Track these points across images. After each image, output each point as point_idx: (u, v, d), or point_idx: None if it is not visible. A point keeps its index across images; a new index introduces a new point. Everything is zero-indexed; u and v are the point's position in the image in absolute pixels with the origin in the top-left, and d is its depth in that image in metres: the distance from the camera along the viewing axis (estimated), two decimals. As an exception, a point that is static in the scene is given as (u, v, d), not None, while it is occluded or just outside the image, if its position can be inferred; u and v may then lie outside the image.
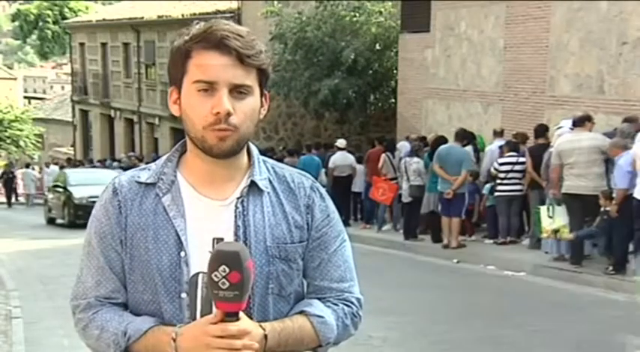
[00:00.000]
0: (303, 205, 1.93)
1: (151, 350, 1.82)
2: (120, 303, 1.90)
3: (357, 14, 21.18)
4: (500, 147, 13.07)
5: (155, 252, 1.85)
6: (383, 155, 15.20)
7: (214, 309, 1.74)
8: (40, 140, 43.96)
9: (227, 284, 1.64)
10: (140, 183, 1.91)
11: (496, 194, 12.64)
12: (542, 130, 12.12)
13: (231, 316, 1.69)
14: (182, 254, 1.84)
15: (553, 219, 10.61)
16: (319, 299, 1.94)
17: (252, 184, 1.89)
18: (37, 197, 31.20)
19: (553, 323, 7.78)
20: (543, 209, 10.79)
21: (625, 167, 9.40)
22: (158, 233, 1.86)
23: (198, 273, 1.83)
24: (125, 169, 23.03)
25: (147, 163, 2.33)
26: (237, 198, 1.88)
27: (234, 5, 24.32)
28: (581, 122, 10.46)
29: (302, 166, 14.59)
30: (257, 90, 1.85)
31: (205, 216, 1.87)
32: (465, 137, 13.16)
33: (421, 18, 18.34)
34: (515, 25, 15.53)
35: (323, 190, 1.99)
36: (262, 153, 2.01)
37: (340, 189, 15.79)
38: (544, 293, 9.53)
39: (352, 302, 1.96)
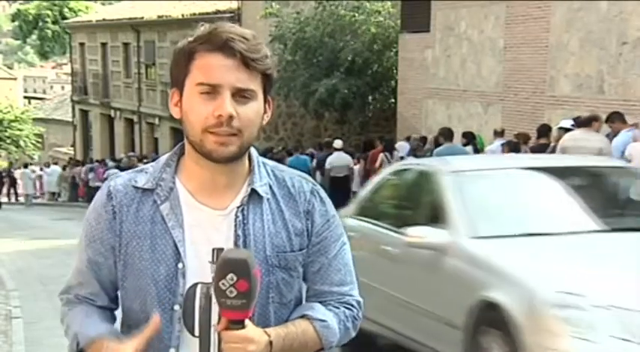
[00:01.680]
0: (303, 211, 1.90)
1: None
2: (98, 305, 1.91)
3: (356, 14, 21.19)
4: (502, 146, 13.07)
5: (151, 262, 1.82)
6: (381, 154, 15.21)
7: (213, 319, 1.73)
8: (40, 140, 44.01)
9: (235, 292, 1.62)
10: (137, 187, 1.87)
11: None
12: (544, 130, 12.10)
13: (236, 324, 1.68)
14: (180, 265, 1.81)
15: None
16: (320, 302, 1.92)
17: (253, 192, 1.86)
18: (35, 197, 31.24)
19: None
20: None
21: None
22: (155, 243, 1.82)
23: (196, 284, 1.81)
24: (123, 170, 23.01)
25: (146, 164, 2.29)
26: (237, 207, 1.84)
27: (234, 5, 24.33)
28: (588, 123, 10.35)
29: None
30: (260, 96, 1.81)
31: (204, 225, 1.83)
32: (451, 136, 13.10)
33: (421, 18, 18.35)
34: (515, 25, 15.53)
35: (323, 193, 1.96)
36: (262, 153, 1.99)
37: (337, 189, 15.77)
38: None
39: (353, 305, 1.95)
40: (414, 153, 13.97)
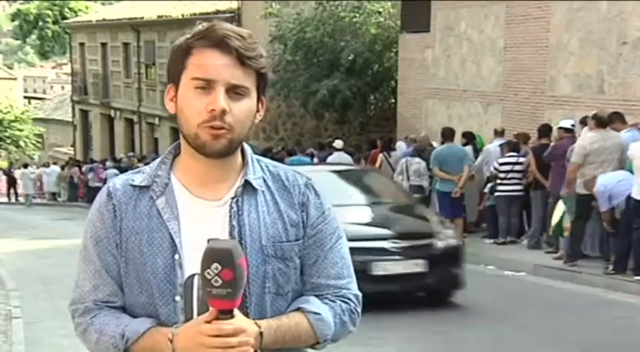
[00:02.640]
0: (298, 203, 1.92)
1: (149, 351, 1.82)
2: (118, 307, 1.90)
3: (357, 14, 21.19)
4: (501, 146, 13.09)
5: (150, 255, 1.85)
6: (380, 155, 15.19)
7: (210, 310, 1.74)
8: (40, 140, 44.05)
9: (220, 281, 1.64)
10: (134, 186, 1.90)
11: (496, 194, 12.65)
12: (545, 130, 12.12)
13: (225, 313, 1.69)
14: (176, 256, 1.84)
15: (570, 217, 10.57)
16: (317, 296, 1.93)
17: (246, 183, 1.89)
18: (35, 197, 31.22)
19: (553, 323, 7.78)
20: (560, 207, 10.67)
21: None
22: (152, 236, 1.85)
23: (193, 275, 1.82)
24: (122, 170, 23.07)
25: (146, 164, 2.32)
26: (232, 198, 1.87)
27: (234, 5, 24.33)
28: (610, 121, 10.23)
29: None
30: (254, 94, 1.85)
31: (200, 217, 1.86)
32: (452, 136, 13.09)
33: (421, 18, 18.34)
34: (515, 25, 15.53)
35: (318, 187, 1.98)
36: (262, 153, 1.99)
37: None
38: (544, 293, 9.53)
39: (350, 299, 1.96)
40: (420, 153, 13.89)
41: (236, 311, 1.71)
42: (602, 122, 10.11)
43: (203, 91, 1.79)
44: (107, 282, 1.89)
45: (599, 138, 9.99)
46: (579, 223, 10.31)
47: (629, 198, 9.29)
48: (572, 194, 10.35)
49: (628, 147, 9.60)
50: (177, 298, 1.83)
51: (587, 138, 10.24)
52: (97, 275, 1.89)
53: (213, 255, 1.65)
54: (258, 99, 1.88)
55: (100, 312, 1.88)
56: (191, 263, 1.82)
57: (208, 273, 1.64)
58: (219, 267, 1.64)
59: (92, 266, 1.90)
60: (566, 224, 10.65)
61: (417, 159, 13.63)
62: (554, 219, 10.80)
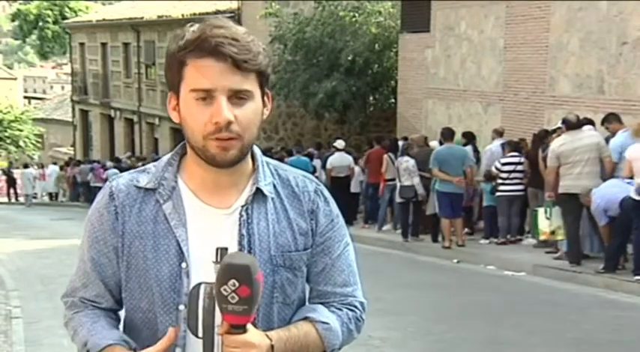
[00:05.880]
0: (308, 210, 1.89)
1: None
2: (103, 308, 1.90)
3: (357, 14, 21.19)
4: (502, 146, 13.08)
5: (154, 261, 1.80)
6: (385, 156, 15.15)
7: (217, 320, 1.72)
8: (40, 140, 44.05)
9: (236, 298, 1.61)
10: (139, 187, 1.85)
11: (497, 194, 12.65)
12: (551, 132, 12.16)
13: (238, 328, 1.67)
14: (183, 265, 1.79)
15: (550, 221, 10.64)
16: (323, 303, 1.91)
17: (257, 191, 1.84)
18: (35, 197, 31.16)
19: (553, 323, 7.78)
20: (541, 211, 10.82)
21: None
22: (158, 242, 1.81)
23: (200, 284, 1.79)
24: (122, 170, 23.04)
25: (143, 164, 2.29)
26: (242, 207, 1.82)
27: (234, 5, 24.32)
28: (580, 126, 10.45)
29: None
30: (257, 93, 1.79)
31: (208, 225, 1.81)
32: (452, 136, 13.09)
33: (421, 18, 18.35)
34: (515, 25, 15.53)
35: (327, 194, 1.95)
36: (262, 153, 1.97)
37: (338, 189, 15.79)
38: (544, 293, 9.53)
39: (356, 307, 1.94)
40: (406, 152, 13.87)
41: (249, 325, 1.68)
42: (571, 125, 10.41)
43: (204, 102, 1.73)
44: (95, 283, 1.88)
45: (567, 140, 10.27)
46: (569, 222, 10.36)
47: (623, 200, 9.31)
48: (549, 201, 10.57)
49: (612, 148, 9.79)
50: (181, 307, 1.79)
51: (556, 141, 10.56)
52: (87, 276, 1.89)
53: (231, 271, 1.61)
54: (264, 94, 1.83)
55: (82, 311, 1.89)
56: (198, 271, 1.79)
57: (225, 290, 1.61)
58: (237, 284, 1.60)
59: (83, 266, 1.90)
60: (543, 227, 10.73)
61: (406, 158, 13.60)
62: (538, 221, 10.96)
